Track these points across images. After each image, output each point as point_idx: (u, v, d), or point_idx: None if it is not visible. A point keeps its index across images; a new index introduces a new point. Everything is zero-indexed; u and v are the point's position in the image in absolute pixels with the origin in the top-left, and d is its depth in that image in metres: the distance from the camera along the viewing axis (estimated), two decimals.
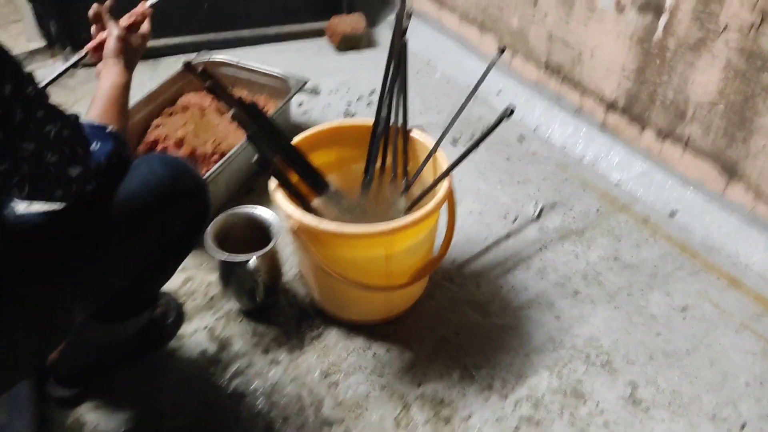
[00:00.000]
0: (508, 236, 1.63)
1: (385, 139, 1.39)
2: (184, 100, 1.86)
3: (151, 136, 1.74)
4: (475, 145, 1.22)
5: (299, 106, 2.08)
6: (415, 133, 1.39)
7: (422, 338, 1.38)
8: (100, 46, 1.20)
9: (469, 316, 1.43)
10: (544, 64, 1.92)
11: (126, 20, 1.21)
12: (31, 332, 0.93)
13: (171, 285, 1.50)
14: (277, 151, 1.28)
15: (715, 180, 1.58)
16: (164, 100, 1.83)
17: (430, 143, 1.35)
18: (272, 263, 1.38)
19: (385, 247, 1.22)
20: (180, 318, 1.42)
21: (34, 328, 0.93)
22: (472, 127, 1.99)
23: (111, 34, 1.15)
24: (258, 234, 1.38)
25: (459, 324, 1.41)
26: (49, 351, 1.06)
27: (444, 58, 2.25)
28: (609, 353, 1.35)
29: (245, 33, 2.32)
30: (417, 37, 2.38)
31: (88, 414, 1.26)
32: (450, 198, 1.34)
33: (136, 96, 1.81)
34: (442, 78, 2.22)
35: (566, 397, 1.27)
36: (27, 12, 2.09)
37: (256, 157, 1.19)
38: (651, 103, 1.65)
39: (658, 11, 1.53)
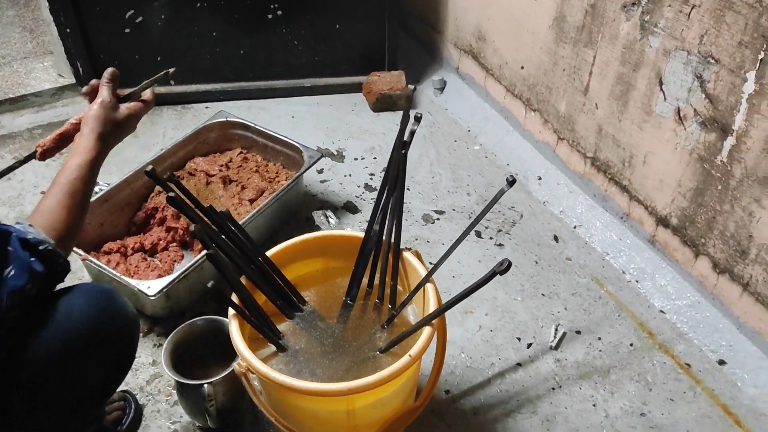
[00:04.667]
0: (518, 366, 1.41)
1: (375, 258, 1.21)
2: (192, 164, 1.74)
3: (151, 203, 1.64)
4: (464, 295, 1.02)
5: (320, 173, 1.92)
6: (408, 255, 1.20)
7: None
8: (67, 138, 1.09)
9: None
10: (592, 158, 1.69)
11: (125, 92, 1.08)
12: None
13: (136, 379, 1.38)
14: (246, 269, 1.13)
15: None
16: (172, 163, 1.72)
17: (422, 271, 1.16)
18: (233, 385, 1.22)
19: (345, 404, 1.05)
20: (136, 424, 1.29)
21: None
22: (503, 217, 1.77)
23: (97, 99, 1.02)
24: (225, 345, 1.23)
25: None
26: None
27: (486, 130, 2.04)
28: None
29: (279, 84, 2.18)
30: (460, 101, 2.18)
31: None
32: (440, 345, 1.15)
33: (149, 153, 1.71)
34: (481, 152, 2.01)
35: None
36: (58, 46, 2.03)
37: (211, 283, 1.05)
38: (708, 230, 1.39)
39: (724, 131, 1.28)
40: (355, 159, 1.99)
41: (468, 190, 1.87)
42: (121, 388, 1.34)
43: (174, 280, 1.37)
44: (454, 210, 1.80)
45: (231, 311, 1.09)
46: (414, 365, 1.10)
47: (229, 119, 1.80)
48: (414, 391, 1.21)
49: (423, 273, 1.15)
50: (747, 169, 1.25)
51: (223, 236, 1.10)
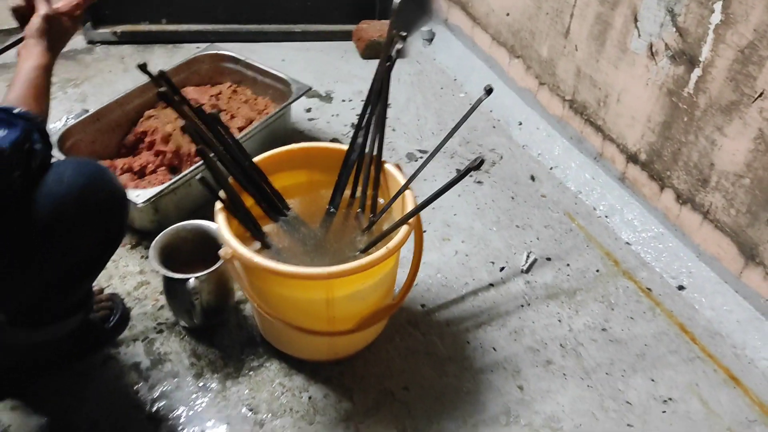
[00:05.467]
0: (490, 286, 1.48)
1: (357, 169, 1.28)
2: (183, 93, 1.78)
3: (141, 126, 1.69)
4: (441, 192, 1.09)
5: (308, 111, 1.98)
6: (389, 166, 1.26)
7: (367, 387, 1.27)
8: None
9: (423, 371, 1.30)
10: (570, 101, 1.76)
11: (62, 2, 1.09)
12: None
13: (123, 286, 1.44)
14: (234, 170, 1.18)
15: (732, 259, 1.39)
16: None
17: (402, 180, 1.23)
18: (219, 283, 1.29)
19: (324, 291, 1.11)
20: (122, 323, 1.35)
21: None
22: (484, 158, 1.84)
23: (37, 11, 1.04)
24: (212, 249, 1.29)
25: (411, 378, 1.29)
26: None
27: (471, 79, 2.10)
28: None
29: (271, 28, 2.23)
30: (447, 51, 2.25)
31: (4, 414, 1.20)
32: (417, 244, 1.22)
33: (137, 81, 1.76)
34: (466, 99, 2.07)
35: None
36: None
37: (200, 175, 1.11)
38: (674, 162, 1.47)
39: (692, 63, 1.35)
40: (343, 101, 2.04)
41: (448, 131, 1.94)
42: (109, 291, 1.40)
43: (163, 190, 1.42)
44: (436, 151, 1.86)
45: (218, 205, 1.15)
46: (391, 260, 1.17)
47: (219, 52, 1.85)
48: (391, 292, 1.28)
49: (403, 181, 1.22)
50: (711, 98, 1.32)
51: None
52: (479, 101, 1.15)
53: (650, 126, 1.50)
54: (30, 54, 1.01)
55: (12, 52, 1.09)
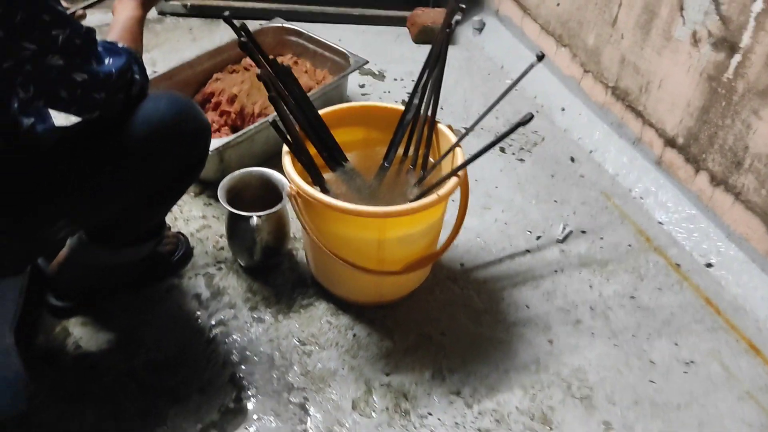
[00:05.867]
0: (526, 252, 1.58)
1: (412, 128, 1.38)
2: (247, 60, 1.92)
3: (209, 88, 1.82)
4: (491, 145, 1.20)
5: (361, 87, 2.10)
6: (441, 126, 1.37)
7: (407, 330, 1.37)
8: None
9: (460, 321, 1.40)
10: (612, 87, 1.84)
11: None
12: (13, 237, 1.00)
13: (188, 227, 1.56)
14: (300, 118, 1.30)
15: (761, 239, 1.46)
16: (229, 56, 1.90)
17: (453, 138, 1.33)
18: (277, 226, 1.40)
19: (377, 232, 1.22)
20: (186, 258, 1.48)
21: (17, 234, 1.00)
22: (526, 138, 1.93)
23: None
24: (272, 196, 1.41)
25: (448, 326, 1.39)
26: (30, 258, 1.13)
27: (517, 67, 2.19)
28: (592, 389, 1.28)
29: (329, 9, 2.36)
30: (497, 41, 2.34)
31: (76, 328, 1.34)
32: (463, 197, 1.31)
33: (205, 48, 1.90)
34: None
35: (533, 421, 1.23)
36: None
37: (271, 118, 1.22)
38: (709, 146, 1.54)
39: (732, 49, 1.43)
40: (395, 79, 2.16)
41: (497, 114, 2.04)
42: (174, 230, 1.53)
43: (229, 141, 1.55)
44: (482, 129, 1.96)
45: (285, 148, 1.26)
46: (439, 208, 1.27)
47: (284, 25, 1.98)
48: (436, 242, 1.38)
49: (454, 141, 1.32)
50: (749, 83, 1.40)
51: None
52: (530, 66, 1.24)
53: (689, 111, 1.58)
54: (125, 7, 1.13)
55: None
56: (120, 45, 1.03)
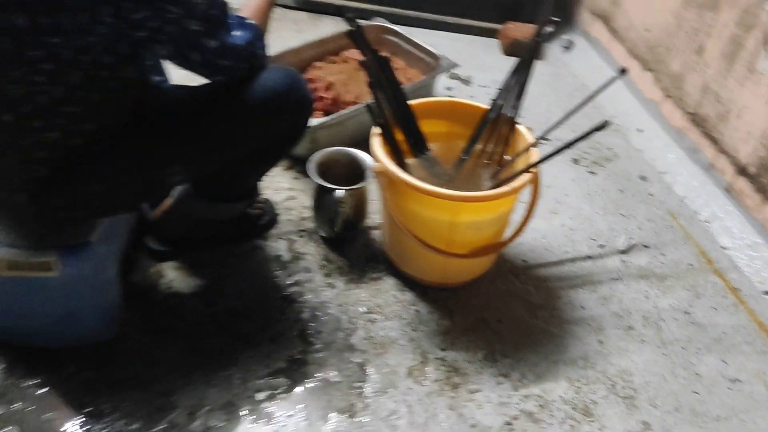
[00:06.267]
0: (588, 258, 1.65)
1: (493, 126, 1.49)
2: (347, 53, 2.07)
3: (309, 74, 1.97)
4: (566, 146, 1.29)
5: (448, 90, 2.22)
6: (521, 126, 1.47)
7: (466, 313, 1.47)
8: None
9: (517, 311, 1.49)
10: (692, 113, 1.89)
11: None
12: (134, 176, 1.16)
13: (276, 197, 1.71)
14: (392, 106, 1.43)
15: None
16: (330, 48, 2.06)
17: (531, 139, 1.43)
18: (358, 202, 1.53)
19: (450, 214, 1.33)
20: (272, 223, 1.63)
21: (138, 173, 1.16)
22: (600, 153, 2.00)
23: None
24: (356, 175, 1.54)
25: (505, 314, 1.48)
26: (145, 197, 1.30)
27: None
28: (636, 390, 1.35)
29: (426, 15, 2.50)
30: (583, 60, 2.42)
31: (169, 271, 1.50)
32: (534, 194, 1.41)
33: (308, 39, 2.06)
34: (592, 103, 2.23)
35: (575, 411, 1.30)
36: None
37: (368, 103, 1.36)
38: None
39: None
40: (480, 86, 2.27)
41: (574, 128, 2.10)
42: (265, 198, 1.68)
43: (324, 122, 1.69)
44: (558, 140, 2.03)
45: (375, 130, 1.39)
46: (510, 200, 1.37)
47: (383, 24, 2.12)
48: (503, 232, 1.48)
49: (531, 141, 1.42)
50: None
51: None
52: (613, 78, 1.33)
53: (764, 142, 1.62)
54: None
55: None
56: (249, 21, 1.19)
